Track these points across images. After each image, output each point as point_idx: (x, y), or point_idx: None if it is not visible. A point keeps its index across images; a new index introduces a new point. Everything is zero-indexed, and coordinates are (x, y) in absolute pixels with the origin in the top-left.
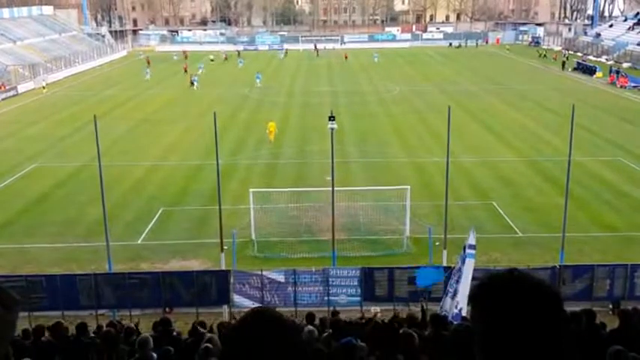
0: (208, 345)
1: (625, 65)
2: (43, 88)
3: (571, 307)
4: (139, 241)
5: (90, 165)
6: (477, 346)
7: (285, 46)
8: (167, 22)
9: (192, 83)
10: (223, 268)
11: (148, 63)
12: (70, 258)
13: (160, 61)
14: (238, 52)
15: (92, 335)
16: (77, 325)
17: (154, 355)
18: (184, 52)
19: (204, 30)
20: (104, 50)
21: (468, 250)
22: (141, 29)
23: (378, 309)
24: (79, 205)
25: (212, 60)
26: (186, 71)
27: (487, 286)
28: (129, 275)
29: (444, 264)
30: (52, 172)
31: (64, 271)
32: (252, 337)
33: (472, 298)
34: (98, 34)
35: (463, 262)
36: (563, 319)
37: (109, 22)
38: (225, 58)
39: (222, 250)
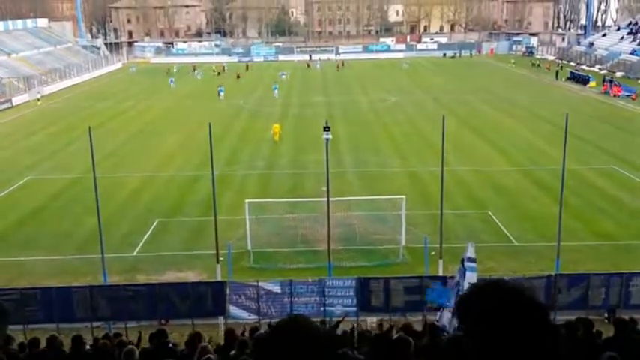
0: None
1: (618, 74)
2: (38, 100)
3: (566, 316)
4: (135, 253)
5: (85, 177)
6: (470, 356)
7: (280, 57)
8: (162, 35)
9: (218, 93)
10: (219, 279)
11: (168, 71)
12: (65, 270)
13: (154, 73)
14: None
15: (88, 348)
16: (72, 338)
17: None
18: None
19: (200, 42)
20: (99, 62)
21: (467, 264)
22: (136, 41)
23: (374, 319)
24: (75, 217)
25: (214, 71)
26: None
27: (472, 297)
28: (124, 287)
29: (440, 273)
30: (47, 184)
31: (60, 283)
32: (288, 343)
33: (458, 309)
34: (93, 46)
35: (462, 275)
36: (551, 326)
37: (104, 34)
38: (222, 71)
39: (217, 261)
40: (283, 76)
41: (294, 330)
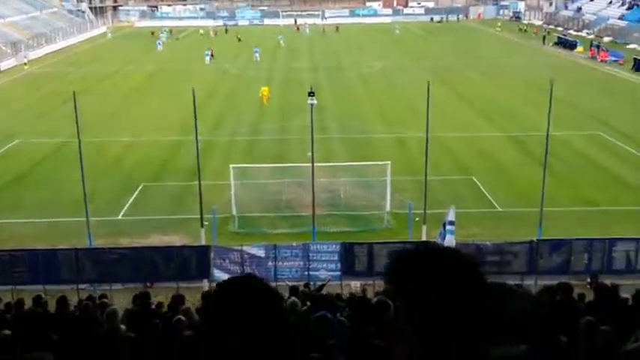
0: (180, 317)
1: (606, 39)
2: (25, 65)
3: (548, 281)
4: (120, 217)
5: (71, 141)
6: (401, 318)
7: (266, 21)
8: None
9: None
10: (203, 243)
11: (153, 34)
12: (51, 233)
13: (139, 36)
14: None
15: (72, 309)
16: (57, 299)
17: (123, 326)
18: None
19: (184, 5)
20: (84, 27)
21: (448, 227)
22: (121, 5)
23: (357, 283)
24: (60, 181)
25: (202, 34)
26: (213, 56)
27: (399, 261)
28: (109, 250)
29: (424, 238)
30: (33, 148)
31: (46, 246)
32: (233, 304)
33: (386, 275)
34: (79, 10)
35: (443, 238)
36: (481, 283)
37: None
38: (216, 34)
39: (202, 225)
40: (281, 41)
41: (239, 286)
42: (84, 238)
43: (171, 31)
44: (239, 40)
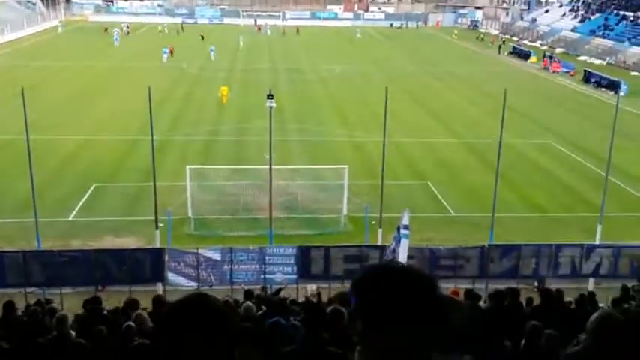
0: (130, 324)
1: (558, 50)
2: None
3: (497, 285)
4: (70, 218)
5: (19, 139)
6: (362, 326)
7: (225, 20)
8: None
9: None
10: (158, 245)
11: (106, 30)
12: None
13: (92, 32)
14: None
15: (19, 314)
16: (4, 304)
17: (72, 332)
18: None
19: (142, 0)
20: (34, 19)
21: (402, 231)
22: None
23: (314, 286)
24: (8, 180)
25: (160, 31)
26: (172, 54)
27: (365, 279)
28: (59, 252)
29: (379, 242)
30: None
31: None
32: (184, 321)
33: (353, 289)
34: (29, 1)
35: (398, 242)
36: (438, 298)
37: None
38: (182, 30)
39: (157, 227)
40: (241, 41)
41: (194, 304)
42: (32, 239)
43: (128, 28)
44: (202, 38)
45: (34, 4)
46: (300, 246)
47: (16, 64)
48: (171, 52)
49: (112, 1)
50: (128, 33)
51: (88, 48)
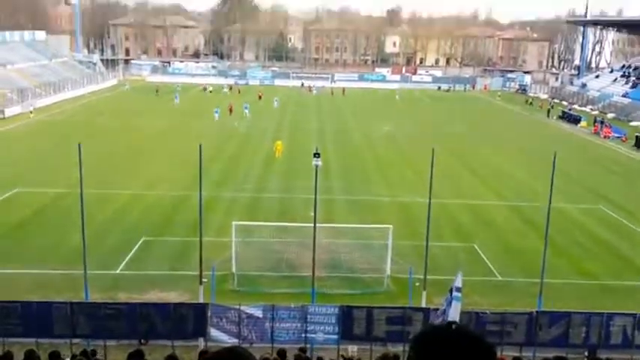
0: None
1: (609, 116)
2: (30, 112)
3: (547, 354)
4: (118, 271)
5: (72, 191)
6: None
7: (276, 81)
8: (159, 53)
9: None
10: (201, 301)
11: (260, 98)
12: (47, 285)
13: (149, 91)
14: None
15: None
16: (49, 353)
17: None
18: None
19: (197, 62)
20: (94, 78)
21: (455, 293)
22: (133, 59)
23: (355, 348)
24: (59, 231)
25: (209, 91)
26: (231, 111)
27: (427, 337)
28: (105, 305)
29: (423, 304)
30: (33, 197)
31: (41, 298)
32: None
33: (413, 345)
34: (89, 61)
35: (449, 304)
36: None
37: (102, 50)
38: (238, 91)
39: (201, 282)
40: (276, 102)
41: (233, 354)
42: (80, 291)
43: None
44: (260, 97)
45: (95, 63)
46: (342, 306)
47: (75, 120)
48: (230, 110)
49: (169, 62)
50: (210, 91)
51: (142, 105)
